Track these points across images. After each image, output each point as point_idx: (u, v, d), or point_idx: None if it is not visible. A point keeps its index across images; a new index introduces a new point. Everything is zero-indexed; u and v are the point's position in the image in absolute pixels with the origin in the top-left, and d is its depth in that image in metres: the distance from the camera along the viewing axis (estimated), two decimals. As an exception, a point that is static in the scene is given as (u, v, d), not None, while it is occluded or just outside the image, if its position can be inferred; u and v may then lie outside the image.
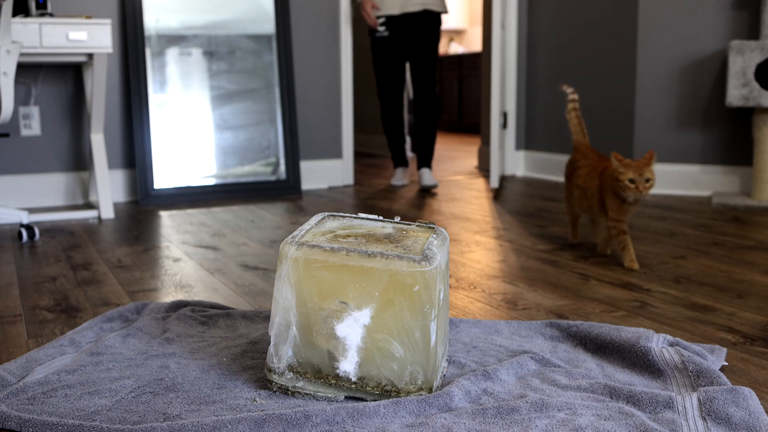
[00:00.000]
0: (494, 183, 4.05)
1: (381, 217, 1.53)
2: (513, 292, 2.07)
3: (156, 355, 1.53)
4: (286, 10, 3.96)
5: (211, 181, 3.85)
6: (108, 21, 3.18)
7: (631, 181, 2.23)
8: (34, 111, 3.56)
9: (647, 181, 2.24)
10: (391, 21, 4.10)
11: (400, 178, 4.34)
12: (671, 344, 1.55)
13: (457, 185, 4.32)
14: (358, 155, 6.26)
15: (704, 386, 1.33)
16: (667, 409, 1.25)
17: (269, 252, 2.59)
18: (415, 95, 4.18)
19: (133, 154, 3.73)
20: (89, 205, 3.56)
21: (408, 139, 6.23)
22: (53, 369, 1.46)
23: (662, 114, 3.88)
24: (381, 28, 4.07)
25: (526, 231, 2.93)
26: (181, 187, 3.75)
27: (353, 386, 1.32)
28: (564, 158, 4.42)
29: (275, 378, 1.34)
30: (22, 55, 3.09)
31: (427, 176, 4.15)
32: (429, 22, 4.08)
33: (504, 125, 4.68)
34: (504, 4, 4.36)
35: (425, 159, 4.25)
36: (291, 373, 1.33)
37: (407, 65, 4.54)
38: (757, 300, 1.97)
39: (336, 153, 4.25)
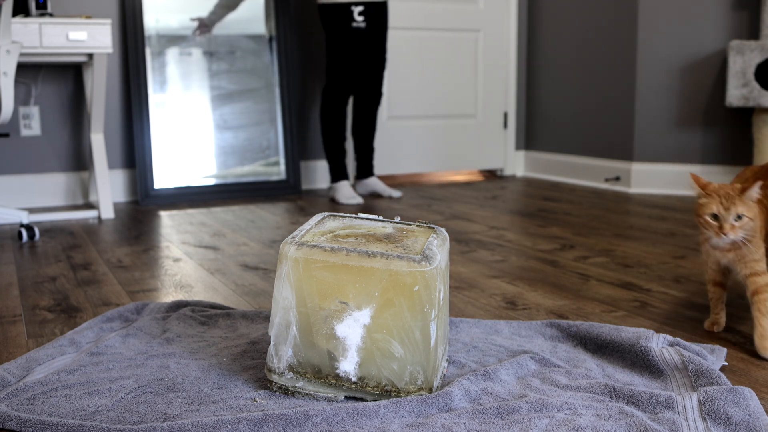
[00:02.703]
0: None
1: (381, 217, 1.53)
2: (513, 292, 2.07)
3: (156, 355, 1.53)
4: (287, 10, 3.96)
5: (211, 181, 3.85)
6: (108, 21, 3.18)
7: (714, 216, 1.57)
8: (34, 111, 3.56)
9: (738, 218, 1.55)
10: (369, 9, 3.63)
11: (352, 194, 3.68)
12: (671, 344, 1.55)
13: (458, 185, 4.32)
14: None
15: (704, 386, 1.34)
16: (667, 409, 1.25)
17: (269, 252, 2.59)
18: (364, 94, 3.76)
19: (133, 154, 3.73)
20: (89, 205, 3.56)
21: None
22: (53, 369, 1.46)
23: (662, 114, 3.88)
24: (359, 18, 3.59)
25: (526, 231, 2.93)
26: (181, 187, 3.75)
27: (353, 386, 1.32)
28: (564, 158, 4.43)
29: (275, 378, 1.34)
30: (22, 55, 3.09)
31: (383, 185, 3.84)
32: (387, 10, 3.75)
33: (504, 125, 4.68)
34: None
35: (371, 166, 3.90)
36: (291, 373, 1.33)
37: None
38: (757, 300, 1.97)
39: (336, 153, 4.24)
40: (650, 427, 1.18)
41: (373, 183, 3.87)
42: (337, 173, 3.77)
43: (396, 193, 3.83)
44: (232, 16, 3.90)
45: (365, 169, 3.90)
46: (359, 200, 3.66)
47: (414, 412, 1.25)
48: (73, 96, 3.63)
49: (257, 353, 1.55)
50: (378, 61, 3.74)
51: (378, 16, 3.68)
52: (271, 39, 3.96)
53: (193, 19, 3.80)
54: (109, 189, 3.31)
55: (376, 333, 1.30)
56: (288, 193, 3.96)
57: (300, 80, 4.10)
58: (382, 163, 4.35)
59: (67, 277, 2.27)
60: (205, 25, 3.83)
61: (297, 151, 3.99)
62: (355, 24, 3.60)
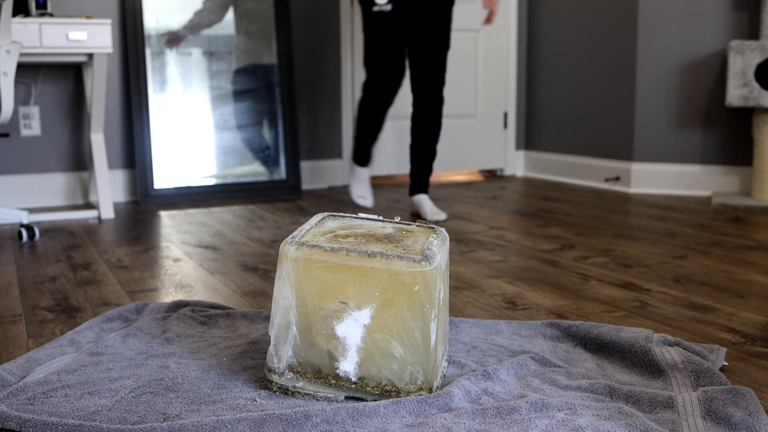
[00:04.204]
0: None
1: (381, 217, 1.53)
2: (513, 292, 2.07)
3: (156, 355, 1.53)
4: (287, 9, 3.96)
5: (211, 181, 3.85)
6: (108, 21, 3.18)
7: None
8: (34, 111, 3.56)
9: None
10: None
11: (364, 191, 3.42)
12: (671, 344, 1.55)
13: (458, 185, 4.32)
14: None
15: (704, 386, 1.34)
16: (667, 409, 1.25)
17: (269, 252, 2.59)
18: (416, 95, 3.21)
19: (133, 154, 3.73)
20: (89, 205, 3.56)
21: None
22: (53, 369, 1.46)
23: (662, 114, 3.88)
24: (382, 1, 3.10)
25: (526, 231, 2.93)
26: (181, 187, 3.75)
27: (353, 386, 1.32)
28: (564, 158, 4.42)
29: (275, 378, 1.34)
30: (22, 55, 3.09)
31: (430, 206, 3.22)
32: None
33: (504, 125, 4.68)
34: None
35: (423, 181, 3.32)
36: (291, 373, 1.34)
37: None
38: (757, 300, 1.97)
39: (336, 153, 4.25)
40: (650, 427, 1.18)
41: (417, 201, 3.32)
42: (358, 153, 3.39)
43: (440, 216, 3.19)
44: (232, 17, 3.89)
45: (416, 184, 3.35)
46: (367, 203, 3.40)
47: (414, 412, 1.25)
48: (73, 96, 3.63)
49: (257, 353, 1.55)
50: (425, 57, 3.15)
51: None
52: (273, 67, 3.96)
53: (162, 35, 3.75)
54: (109, 189, 3.31)
55: (376, 333, 1.30)
56: (288, 193, 3.96)
57: (300, 80, 4.10)
58: (382, 163, 4.35)
59: (67, 277, 2.27)
60: (176, 38, 3.75)
61: (297, 151, 3.99)
62: (376, 7, 3.09)
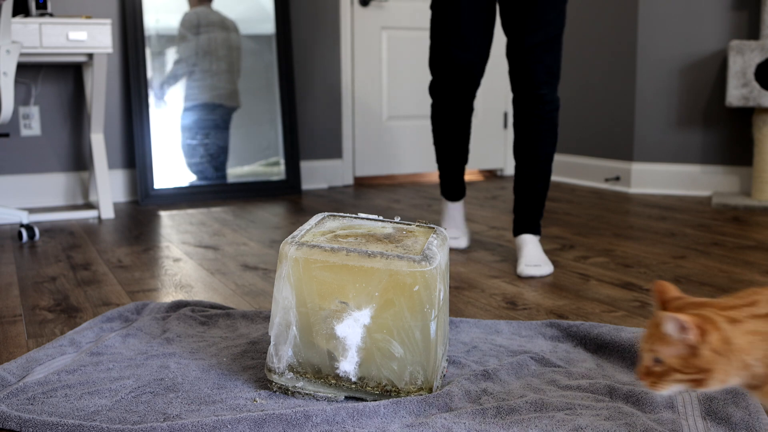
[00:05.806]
0: None
1: (381, 217, 1.53)
2: (513, 292, 2.07)
3: (156, 355, 1.53)
4: (286, 10, 3.96)
5: (211, 181, 3.85)
6: (108, 21, 3.18)
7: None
8: (34, 111, 3.56)
9: (656, 361, 1.01)
10: None
11: (455, 231, 2.66)
12: (671, 344, 1.55)
13: (457, 185, 4.32)
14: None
15: (704, 386, 1.34)
16: (667, 409, 1.26)
17: (269, 252, 2.59)
18: (518, 93, 2.33)
19: (133, 154, 3.73)
20: (89, 205, 3.56)
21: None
22: (53, 369, 1.46)
23: (662, 114, 3.88)
24: None
25: (526, 231, 2.93)
26: (181, 187, 3.75)
27: (353, 386, 1.32)
28: (564, 158, 4.42)
29: (275, 378, 1.34)
30: (22, 55, 3.09)
31: (533, 254, 2.29)
32: None
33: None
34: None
35: (530, 216, 2.38)
36: (291, 373, 1.34)
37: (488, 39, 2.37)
38: (757, 300, 1.97)
39: (336, 153, 4.25)
40: (650, 427, 1.18)
41: (520, 244, 2.37)
42: (444, 187, 2.66)
43: (541, 270, 2.26)
44: (232, 17, 3.89)
45: (520, 220, 2.41)
46: (462, 243, 2.64)
47: (414, 412, 1.25)
48: (73, 96, 3.63)
49: (257, 353, 1.55)
50: (518, 41, 2.26)
51: None
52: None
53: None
54: (109, 189, 3.31)
55: (376, 333, 1.30)
56: (288, 193, 3.96)
57: (300, 80, 4.10)
58: (382, 163, 4.35)
59: (67, 277, 2.27)
60: None
61: (297, 151, 3.99)
62: None
